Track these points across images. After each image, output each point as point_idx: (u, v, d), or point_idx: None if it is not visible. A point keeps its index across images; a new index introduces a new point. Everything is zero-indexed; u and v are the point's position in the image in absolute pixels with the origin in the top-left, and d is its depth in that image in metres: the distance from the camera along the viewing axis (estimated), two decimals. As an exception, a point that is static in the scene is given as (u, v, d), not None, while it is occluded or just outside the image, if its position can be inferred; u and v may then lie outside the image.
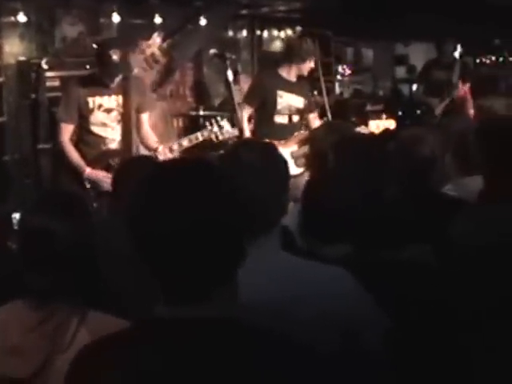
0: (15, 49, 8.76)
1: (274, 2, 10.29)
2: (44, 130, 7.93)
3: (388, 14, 10.25)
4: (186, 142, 6.43)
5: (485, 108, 6.54)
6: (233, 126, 8.40)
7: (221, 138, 6.41)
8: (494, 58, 13.84)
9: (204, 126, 6.61)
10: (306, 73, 7.30)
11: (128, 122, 6.30)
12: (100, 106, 6.27)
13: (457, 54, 9.71)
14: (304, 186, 3.09)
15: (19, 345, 2.58)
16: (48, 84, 8.02)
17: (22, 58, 8.61)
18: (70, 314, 2.59)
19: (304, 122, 7.58)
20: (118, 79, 6.24)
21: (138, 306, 2.20)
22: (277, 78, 7.23)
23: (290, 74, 7.22)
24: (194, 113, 9.46)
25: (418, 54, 14.32)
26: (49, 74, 8.05)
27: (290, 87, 7.21)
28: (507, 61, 13.48)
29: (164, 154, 6.28)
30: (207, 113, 9.23)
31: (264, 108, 7.16)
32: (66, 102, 6.37)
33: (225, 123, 6.41)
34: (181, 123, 9.94)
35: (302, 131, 7.42)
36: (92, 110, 6.26)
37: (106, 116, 6.29)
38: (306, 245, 2.89)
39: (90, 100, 6.26)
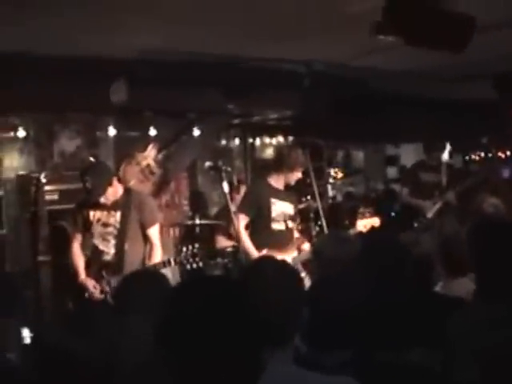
0: (15, 163, 8.98)
1: (264, 111, 10.48)
2: (43, 242, 8.02)
3: (376, 117, 10.46)
4: (160, 265, 6.38)
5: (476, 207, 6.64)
6: (229, 236, 8.54)
7: (194, 266, 6.39)
8: (482, 155, 13.96)
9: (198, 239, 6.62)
10: (293, 182, 7.38)
11: (123, 237, 6.44)
12: (99, 220, 6.48)
13: (446, 155, 9.71)
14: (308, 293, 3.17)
15: None
16: (47, 197, 8.16)
17: (22, 172, 8.80)
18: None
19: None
20: (112, 197, 6.42)
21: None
22: (268, 187, 7.31)
23: (278, 182, 7.32)
24: (190, 222, 9.54)
25: (409, 155, 14.49)
26: (48, 187, 8.19)
27: (280, 195, 7.31)
28: (495, 157, 13.58)
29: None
30: (203, 221, 9.32)
31: (260, 216, 7.23)
32: (74, 213, 6.64)
33: (198, 251, 6.40)
34: (177, 233, 10.05)
35: (297, 236, 7.51)
36: (92, 223, 6.49)
37: (103, 230, 6.48)
38: (309, 352, 2.96)
39: (92, 213, 6.49)
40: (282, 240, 7.22)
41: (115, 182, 6.51)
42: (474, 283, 3.81)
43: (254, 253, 6.97)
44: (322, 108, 9.63)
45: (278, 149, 11.28)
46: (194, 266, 6.37)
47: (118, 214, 6.46)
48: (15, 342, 4.18)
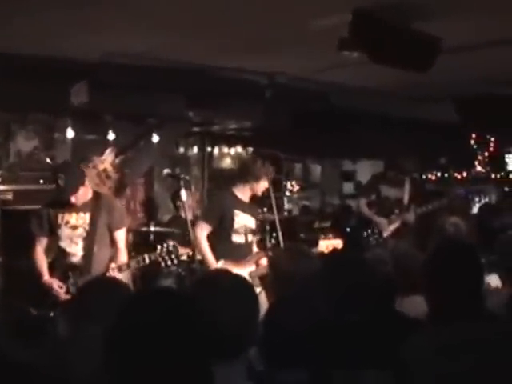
0: (-31, 160, 8.84)
1: (225, 121, 10.47)
2: (-5, 242, 7.92)
3: (335, 132, 10.50)
4: (133, 263, 6.45)
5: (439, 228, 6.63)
6: (186, 243, 8.50)
7: (169, 263, 6.42)
8: (439, 174, 14.09)
9: (154, 246, 6.61)
10: (260, 192, 7.32)
11: (91, 240, 6.37)
12: (67, 223, 6.39)
13: (402, 172, 9.25)
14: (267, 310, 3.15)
15: None
16: (0, 197, 8.04)
17: (-24, 170, 8.67)
18: None
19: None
20: (82, 199, 6.35)
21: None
22: (233, 198, 7.22)
23: (244, 193, 7.25)
24: (144, 228, 9.46)
25: (366, 171, 14.55)
26: (2, 187, 8.08)
27: (244, 207, 7.23)
28: (452, 177, 13.74)
29: (113, 272, 6.32)
30: (157, 229, 9.25)
31: (222, 227, 7.13)
32: (39, 215, 6.48)
33: (174, 249, 6.41)
34: (131, 238, 9.96)
35: (256, 251, 7.45)
36: (59, 226, 6.39)
37: (71, 232, 6.39)
38: (265, 369, 2.93)
39: (60, 216, 6.39)
40: (241, 253, 7.14)
41: (86, 182, 6.44)
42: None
43: (213, 263, 6.92)
44: (283, 120, 9.65)
45: (242, 159, 11.27)
46: (169, 263, 6.42)
47: (87, 216, 6.39)
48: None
